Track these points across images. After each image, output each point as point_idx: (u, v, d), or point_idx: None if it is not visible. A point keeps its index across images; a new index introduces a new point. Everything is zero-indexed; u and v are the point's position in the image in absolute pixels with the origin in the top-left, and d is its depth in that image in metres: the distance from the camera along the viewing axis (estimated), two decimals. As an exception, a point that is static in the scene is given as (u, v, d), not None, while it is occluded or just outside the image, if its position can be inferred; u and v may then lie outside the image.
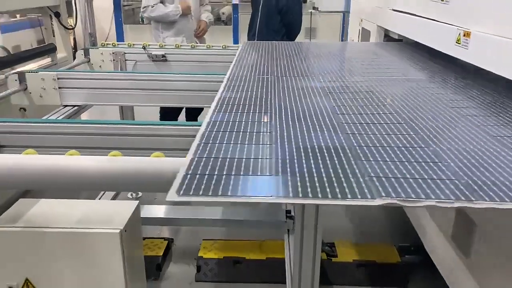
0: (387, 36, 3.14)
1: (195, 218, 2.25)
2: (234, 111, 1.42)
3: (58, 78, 2.20)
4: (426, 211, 2.08)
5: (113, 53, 2.87)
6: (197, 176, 0.95)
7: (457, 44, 1.84)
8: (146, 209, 2.30)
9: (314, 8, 5.64)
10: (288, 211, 2.29)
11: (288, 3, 4.04)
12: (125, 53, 2.91)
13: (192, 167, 1.00)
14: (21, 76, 2.19)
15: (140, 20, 6.37)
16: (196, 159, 1.05)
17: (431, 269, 2.01)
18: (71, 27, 3.76)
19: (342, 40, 5.97)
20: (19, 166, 1.08)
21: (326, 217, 1.77)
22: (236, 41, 6.38)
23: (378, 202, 0.87)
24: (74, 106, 2.23)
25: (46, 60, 3.26)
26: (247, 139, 1.18)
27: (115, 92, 2.22)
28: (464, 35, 1.78)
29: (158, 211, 2.30)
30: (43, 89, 2.20)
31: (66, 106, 2.23)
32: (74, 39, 6.10)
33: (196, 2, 4.05)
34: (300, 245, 1.73)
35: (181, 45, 3.11)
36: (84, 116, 2.88)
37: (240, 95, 1.60)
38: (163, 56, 2.93)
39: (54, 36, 3.59)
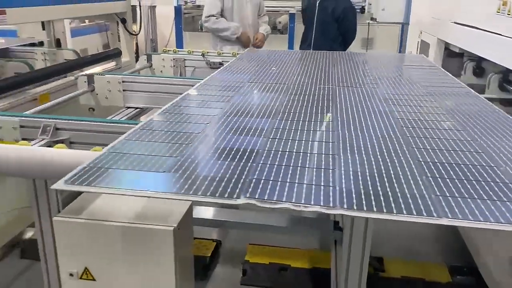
0: (448, 50, 3.06)
1: (243, 222, 2.28)
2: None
3: (123, 81, 2.33)
4: (484, 232, 2.00)
5: (173, 59, 2.99)
6: (95, 169, 1.10)
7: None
8: (197, 209, 2.37)
9: (372, 18, 5.57)
10: (336, 222, 2.28)
11: (344, 11, 4.08)
12: (185, 59, 3.02)
13: (96, 161, 1.15)
14: (90, 78, 2.34)
15: (200, 27, 6.57)
16: (106, 153, 1.21)
17: (483, 293, 1.93)
18: (135, 33, 3.96)
19: (400, 52, 5.86)
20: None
21: (376, 231, 1.75)
22: (291, 49, 6.42)
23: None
24: (136, 108, 2.35)
25: (111, 64, 3.45)
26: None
27: (174, 96, 2.31)
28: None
29: (208, 212, 2.37)
30: (109, 91, 2.34)
31: (129, 107, 2.35)
32: (136, 44, 6.38)
33: (254, 13, 4.12)
34: (348, 257, 1.72)
35: (237, 53, 3.18)
36: (143, 118, 3.03)
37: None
38: (221, 63, 3.02)
39: (119, 41, 3.79)
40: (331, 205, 0.93)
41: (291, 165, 1.16)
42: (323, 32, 4.13)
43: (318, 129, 1.49)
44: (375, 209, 0.91)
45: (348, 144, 1.32)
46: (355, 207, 0.92)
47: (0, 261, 2.32)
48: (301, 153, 1.25)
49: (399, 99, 1.86)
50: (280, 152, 1.26)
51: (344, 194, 0.98)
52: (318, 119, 1.59)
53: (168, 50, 3.25)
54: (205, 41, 5.64)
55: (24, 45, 3.29)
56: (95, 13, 3.43)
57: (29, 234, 2.49)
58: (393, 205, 0.93)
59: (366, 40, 6.02)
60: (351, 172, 1.12)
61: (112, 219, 1.43)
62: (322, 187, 1.02)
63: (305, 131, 1.46)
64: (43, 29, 3.73)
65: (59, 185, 1.02)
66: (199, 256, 2.50)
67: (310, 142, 1.36)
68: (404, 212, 0.90)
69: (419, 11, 4.25)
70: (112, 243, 1.41)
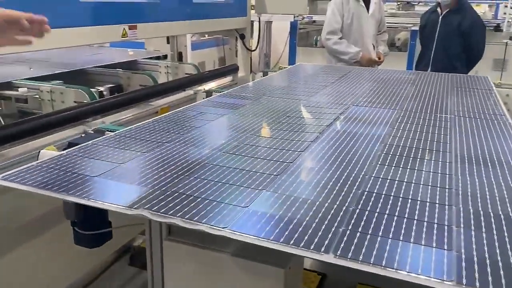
0: None
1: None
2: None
3: (240, 99, 2.28)
4: None
5: (290, 76, 2.90)
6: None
7: None
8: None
9: (511, 38, 4.96)
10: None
11: (472, 25, 3.66)
12: (302, 77, 2.91)
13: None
14: (209, 94, 2.34)
15: (314, 43, 6.47)
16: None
17: None
18: (252, 49, 3.97)
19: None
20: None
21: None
22: (409, 68, 6.01)
23: None
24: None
25: (228, 79, 3.47)
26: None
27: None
28: None
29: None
30: (225, 108, 2.31)
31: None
32: (251, 58, 6.50)
33: (375, 29, 3.90)
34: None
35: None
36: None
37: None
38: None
39: (236, 56, 3.82)
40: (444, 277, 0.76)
41: (395, 214, 0.98)
42: (445, 49, 3.75)
43: (431, 170, 1.25)
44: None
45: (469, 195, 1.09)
46: None
47: (110, 267, 2.40)
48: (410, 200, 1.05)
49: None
50: (383, 196, 1.07)
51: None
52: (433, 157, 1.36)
53: (284, 67, 3.18)
54: (318, 57, 5.51)
55: (150, 58, 3.46)
56: (216, 28, 3.49)
57: (139, 241, 2.55)
58: None
59: (503, 62, 5.37)
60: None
61: (221, 248, 1.36)
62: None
63: (416, 170, 1.24)
64: (168, 42, 3.91)
65: None
66: (303, 288, 2.34)
67: (421, 185, 1.14)
68: None
69: None
70: (218, 273, 1.34)
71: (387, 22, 5.36)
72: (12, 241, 1.77)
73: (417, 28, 5.88)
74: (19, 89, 2.26)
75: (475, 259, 0.83)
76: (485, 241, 0.89)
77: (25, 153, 1.69)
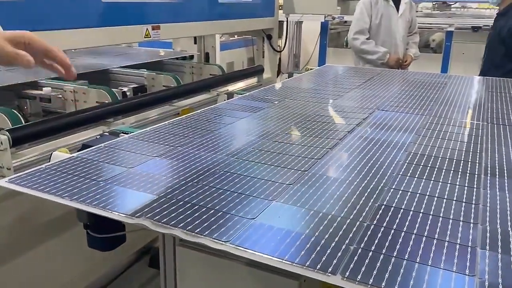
0: None
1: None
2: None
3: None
4: None
5: (316, 79, 2.82)
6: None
7: None
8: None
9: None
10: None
11: (511, 30, 3.15)
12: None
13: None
14: (230, 96, 2.29)
15: (345, 44, 6.34)
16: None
17: None
18: (279, 49, 3.91)
19: None
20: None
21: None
22: (444, 71, 5.79)
23: None
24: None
25: (254, 80, 3.43)
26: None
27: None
28: None
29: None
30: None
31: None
32: (280, 59, 6.44)
33: (405, 30, 3.77)
34: None
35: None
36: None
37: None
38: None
39: (263, 57, 3.78)
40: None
41: (414, 232, 0.91)
42: (490, 56, 3.37)
43: (457, 183, 1.16)
44: None
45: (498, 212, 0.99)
46: None
47: (129, 268, 2.40)
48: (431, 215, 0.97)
49: None
50: (401, 210, 0.99)
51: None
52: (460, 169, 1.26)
53: (311, 69, 3.11)
54: (348, 58, 5.40)
55: (176, 58, 3.46)
56: (242, 29, 3.46)
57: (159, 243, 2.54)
58: None
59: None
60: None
61: (235, 256, 1.31)
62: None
63: (440, 183, 1.15)
64: (195, 43, 3.90)
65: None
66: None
67: (444, 200, 1.05)
68: None
69: None
70: (232, 282, 1.30)
71: (421, 23, 5.19)
72: (30, 241, 1.78)
73: (452, 29, 5.68)
74: (44, 88, 2.29)
75: (500, 287, 0.74)
76: (512, 267, 0.80)
77: (43, 153, 1.70)
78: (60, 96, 2.24)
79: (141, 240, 2.39)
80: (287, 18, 4.05)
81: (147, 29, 2.30)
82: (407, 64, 3.79)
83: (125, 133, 1.51)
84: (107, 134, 1.55)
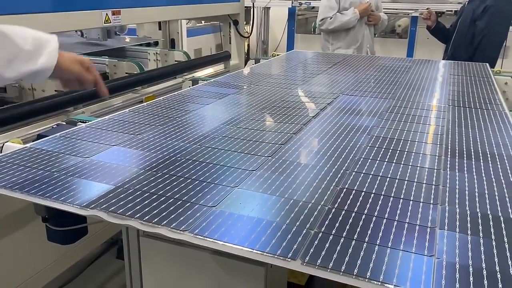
0: None
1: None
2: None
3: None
4: None
5: (281, 64, 2.80)
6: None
7: None
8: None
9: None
10: None
11: (484, 10, 3.19)
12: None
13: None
14: (195, 83, 2.25)
15: (313, 30, 6.35)
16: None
17: None
18: (246, 35, 3.86)
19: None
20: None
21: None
22: (410, 55, 5.89)
23: None
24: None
25: (220, 66, 3.38)
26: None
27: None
28: None
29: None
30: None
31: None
32: (248, 45, 6.38)
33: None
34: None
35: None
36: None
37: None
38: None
39: (230, 43, 3.72)
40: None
41: (374, 215, 0.90)
42: (459, 37, 3.40)
43: (418, 165, 1.18)
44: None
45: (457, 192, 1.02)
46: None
47: (97, 259, 2.34)
48: (391, 198, 0.97)
49: None
50: (362, 193, 0.98)
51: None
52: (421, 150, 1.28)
53: (278, 54, 3.09)
54: (317, 44, 5.40)
55: (140, 45, 3.36)
56: (207, 14, 3.38)
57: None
58: None
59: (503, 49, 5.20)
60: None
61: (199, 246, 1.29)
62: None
63: (401, 165, 1.15)
64: (160, 29, 3.80)
65: None
66: (293, 283, 2.28)
67: (406, 182, 1.07)
68: None
69: None
70: (198, 271, 1.28)
71: (387, 8, 5.23)
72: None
73: (417, 14, 5.76)
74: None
75: (457, 266, 0.75)
76: (469, 246, 0.81)
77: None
78: (16, 84, 2.15)
79: (111, 231, 2.34)
80: (253, 4, 3.99)
81: (106, 14, 2.21)
82: (375, 15, 3.75)
83: (83, 122, 1.46)
84: (63, 123, 1.49)
